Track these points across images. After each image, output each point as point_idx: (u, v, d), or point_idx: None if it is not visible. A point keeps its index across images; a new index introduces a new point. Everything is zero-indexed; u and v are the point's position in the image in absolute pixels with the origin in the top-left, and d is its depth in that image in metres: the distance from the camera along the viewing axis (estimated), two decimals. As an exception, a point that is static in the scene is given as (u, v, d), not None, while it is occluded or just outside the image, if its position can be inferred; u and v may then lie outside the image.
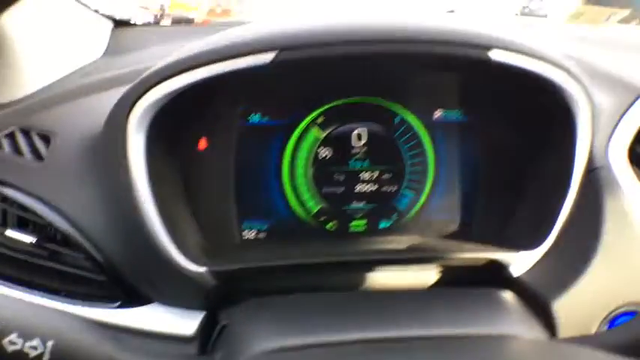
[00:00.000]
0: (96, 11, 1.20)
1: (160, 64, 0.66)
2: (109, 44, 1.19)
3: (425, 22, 0.66)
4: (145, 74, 0.66)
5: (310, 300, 0.69)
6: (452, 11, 1.76)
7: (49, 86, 0.94)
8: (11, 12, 0.83)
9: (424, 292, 0.74)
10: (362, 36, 0.63)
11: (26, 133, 0.79)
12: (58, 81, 0.97)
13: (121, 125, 0.66)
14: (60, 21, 1.04)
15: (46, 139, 0.78)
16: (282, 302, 0.69)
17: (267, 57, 0.62)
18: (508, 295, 0.70)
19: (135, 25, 1.33)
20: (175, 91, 0.64)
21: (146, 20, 1.39)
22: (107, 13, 1.26)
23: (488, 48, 0.64)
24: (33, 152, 0.77)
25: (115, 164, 0.68)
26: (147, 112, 0.66)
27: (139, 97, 0.65)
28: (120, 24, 1.27)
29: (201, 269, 0.69)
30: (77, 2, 1.13)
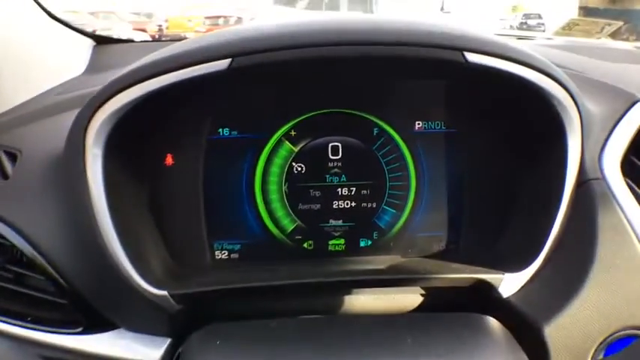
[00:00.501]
0: (76, 29, 1.18)
1: (112, 78, 0.63)
2: (90, 62, 1.17)
3: (396, 23, 0.62)
4: (100, 88, 0.63)
5: (276, 325, 0.64)
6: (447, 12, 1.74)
7: (23, 104, 0.92)
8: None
9: (402, 317, 0.69)
10: (321, 39, 0.59)
11: None
12: (32, 99, 0.96)
13: (79, 141, 0.63)
14: (37, 39, 1.03)
15: (13, 157, 0.75)
16: (245, 327, 0.64)
17: (222, 64, 0.58)
18: (492, 321, 0.65)
19: (117, 41, 1.31)
20: (129, 102, 0.61)
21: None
22: (88, 31, 1.25)
23: (464, 49, 0.60)
24: None
25: (74, 182, 0.64)
26: (103, 126, 0.63)
27: (95, 112, 0.62)
28: (102, 41, 1.26)
29: (162, 292, 0.65)
30: (56, 21, 1.12)
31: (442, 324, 0.64)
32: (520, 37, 1.47)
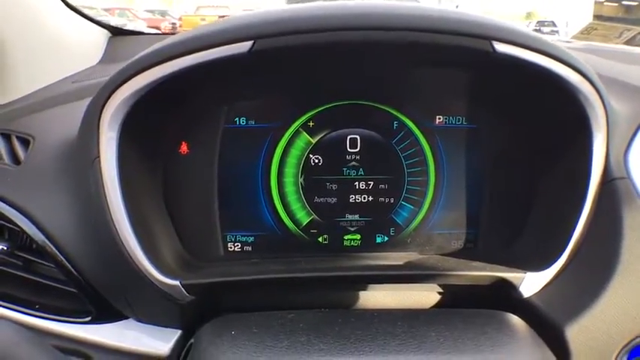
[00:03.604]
0: (93, 20, 1.18)
1: (130, 60, 0.62)
2: (105, 52, 1.17)
3: (426, 10, 0.60)
4: (116, 71, 0.62)
5: (294, 316, 0.62)
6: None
7: (37, 92, 0.92)
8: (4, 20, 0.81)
9: (420, 312, 0.67)
10: (349, 23, 0.57)
11: (7, 137, 0.76)
12: (46, 87, 0.95)
13: (94, 122, 0.62)
14: (55, 29, 1.03)
15: (26, 142, 0.74)
16: (261, 317, 0.62)
17: (244, 46, 0.57)
18: (516, 319, 0.63)
19: (132, 33, 1.31)
20: (147, 85, 0.60)
21: None
22: (105, 22, 1.25)
23: (493, 38, 0.58)
24: (12, 156, 0.74)
25: (87, 166, 0.63)
26: (120, 108, 0.61)
27: (111, 95, 0.61)
28: (117, 32, 1.25)
29: (174, 282, 0.64)
30: (73, 11, 1.12)
31: (465, 319, 0.62)
32: None
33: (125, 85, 0.60)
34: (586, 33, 1.95)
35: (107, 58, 1.14)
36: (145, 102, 0.62)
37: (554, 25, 15.34)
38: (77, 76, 1.02)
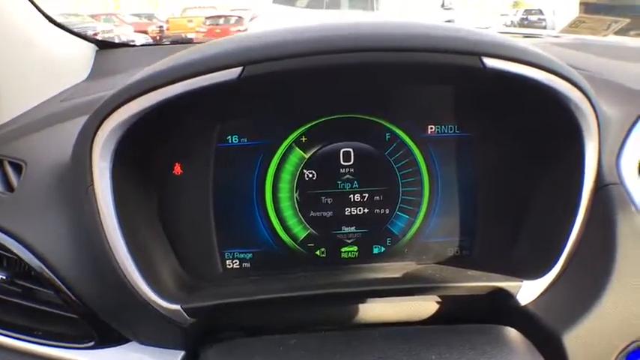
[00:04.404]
0: (78, 34, 1.17)
1: (119, 87, 0.61)
2: (93, 67, 1.16)
3: (411, 27, 0.60)
4: (105, 99, 0.62)
5: (295, 342, 0.62)
6: (450, 21, 1.73)
7: (27, 113, 0.91)
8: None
9: (423, 331, 0.67)
10: (336, 45, 0.57)
11: None
12: (36, 107, 0.94)
13: (86, 153, 0.62)
14: (39, 46, 1.01)
15: (19, 168, 0.74)
16: (263, 342, 0.63)
17: (232, 73, 0.57)
18: (514, 333, 0.64)
19: (120, 45, 1.30)
20: (136, 114, 0.60)
21: (145, 43, 1.38)
22: (90, 36, 1.24)
23: (482, 54, 0.58)
24: (5, 183, 0.73)
25: (81, 196, 0.63)
26: (110, 138, 0.61)
27: (101, 123, 0.61)
28: (104, 46, 1.25)
29: (176, 306, 0.64)
30: (57, 27, 1.11)
31: (464, 337, 0.62)
32: (527, 36, 1.46)
33: (114, 115, 0.60)
34: (574, 26, 1.95)
35: (95, 72, 1.14)
36: (135, 129, 0.61)
37: (541, 13, 15.39)
38: (66, 93, 1.01)
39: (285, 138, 0.74)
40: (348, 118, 0.75)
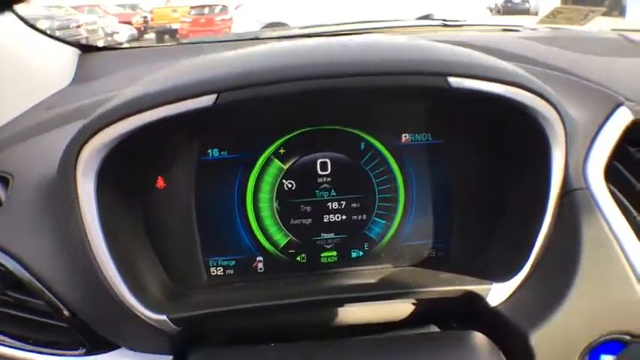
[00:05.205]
0: (60, 39, 1.17)
1: (101, 109, 0.63)
2: (76, 72, 1.16)
3: (378, 48, 0.63)
4: (88, 119, 0.64)
5: (275, 352, 0.66)
6: (427, 16, 1.74)
7: (12, 122, 0.92)
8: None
9: (394, 341, 0.71)
10: (307, 72, 0.60)
11: None
12: (21, 116, 0.95)
13: (70, 171, 0.64)
14: (21, 55, 1.02)
15: (5, 181, 0.75)
16: (243, 352, 0.66)
17: (208, 100, 0.60)
18: (479, 337, 0.67)
19: (103, 48, 1.30)
20: (119, 136, 0.62)
21: (130, 35, 1.38)
22: (72, 40, 1.24)
23: (446, 75, 0.61)
24: None
25: (68, 209, 0.65)
26: (93, 156, 0.63)
27: (85, 143, 0.63)
28: (87, 49, 1.25)
29: (162, 317, 0.66)
30: (39, 33, 1.11)
31: (432, 345, 0.66)
32: (506, 29, 1.47)
33: (94, 139, 0.62)
34: (552, 17, 1.98)
35: (79, 77, 1.14)
36: (118, 148, 0.63)
37: (524, -4, 15.38)
38: (50, 100, 1.02)
39: (264, 150, 0.76)
40: (324, 130, 0.77)
